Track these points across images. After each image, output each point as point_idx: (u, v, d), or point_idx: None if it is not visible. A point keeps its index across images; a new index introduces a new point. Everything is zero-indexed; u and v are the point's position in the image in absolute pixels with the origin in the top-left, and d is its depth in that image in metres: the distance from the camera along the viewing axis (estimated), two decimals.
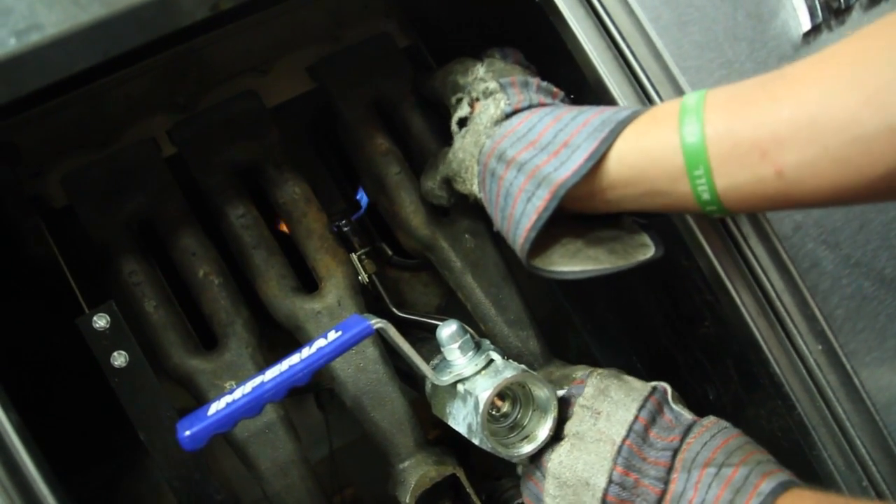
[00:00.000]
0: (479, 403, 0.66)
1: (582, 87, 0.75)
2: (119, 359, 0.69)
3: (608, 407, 0.64)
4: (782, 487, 0.55)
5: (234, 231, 0.75)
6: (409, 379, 0.80)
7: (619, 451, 0.61)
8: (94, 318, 0.69)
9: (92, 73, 0.60)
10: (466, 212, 0.80)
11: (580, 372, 0.71)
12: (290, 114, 0.79)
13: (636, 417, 0.63)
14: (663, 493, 0.60)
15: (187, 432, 0.62)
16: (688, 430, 0.62)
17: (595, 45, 0.70)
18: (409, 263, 0.91)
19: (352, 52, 0.81)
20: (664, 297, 0.83)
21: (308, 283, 0.77)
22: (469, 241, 0.79)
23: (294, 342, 0.77)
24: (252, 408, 0.63)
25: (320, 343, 0.66)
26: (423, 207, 0.79)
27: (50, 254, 0.74)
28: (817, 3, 0.72)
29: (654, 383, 0.66)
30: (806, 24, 0.72)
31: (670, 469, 0.60)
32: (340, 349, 0.66)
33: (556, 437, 0.66)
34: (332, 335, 0.66)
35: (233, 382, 0.72)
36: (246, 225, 0.75)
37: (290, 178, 0.77)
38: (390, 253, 0.90)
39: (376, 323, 0.67)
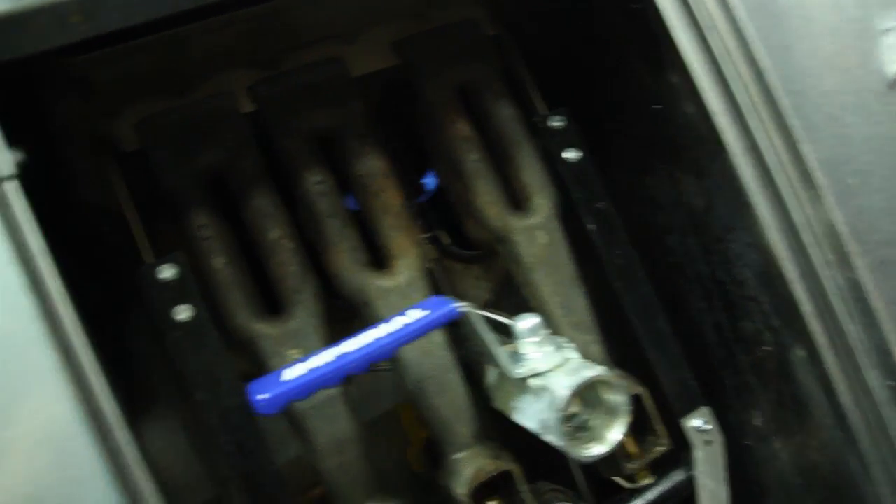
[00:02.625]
0: (558, 400, 0.65)
1: (676, 96, 0.75)
2: (183, 313, 0.66)
3: None
4: None
5: (310, 197, 0.72)
6: None
7: None
8: (160, 267, 0.66)
9: (175, 19, 0.58)
10: (541, 209, 0.78)
11: None
12: (369, 87, 0.77)
13: None
14: None
15: (263, 396, 0.59)
16: None
17: (696, 58, 0.70)
18: (465, 255, 0.89)
19: (440, 34, 0.79)
20: (722, 317, 0.83)
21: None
22: (542, 237, 0.78)
23: (349, 318, 0.75)
24: (333, 378, 0.61)
25: (404, 320, 0.64)
26: (499, 198, 0.77)
27: (115, 198, 0.70)
28: None
29: None
30: None
31: None
32: (425, 328, 0.64)
33: None
34: (416, 314, 0.64)
35: (296, 351, 0.69)
36: (323, 192, 0.72)
37: (370, 151, 0.74)
38: (448, 241, 0.88)
39: (462, 306, 0.65)
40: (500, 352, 0.67)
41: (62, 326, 0.48)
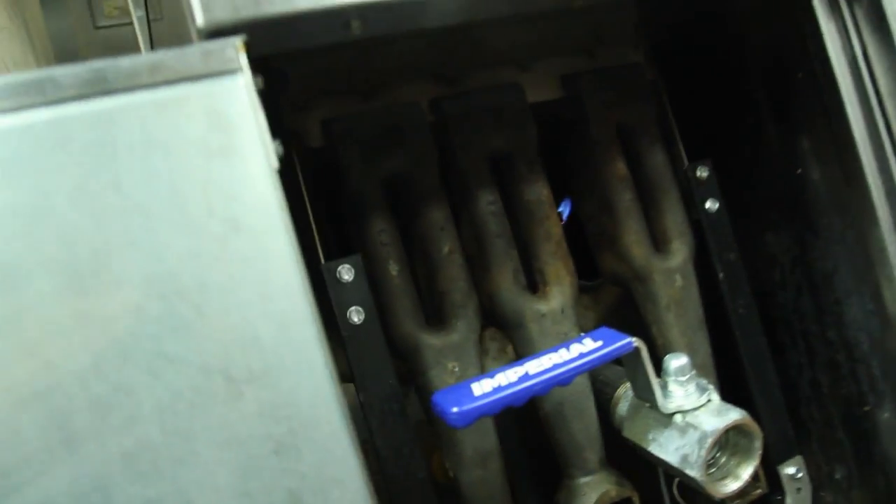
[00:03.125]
0: (706, 437, 0.69)
1: (810, 161, 0.80)
2: (356, 315, 0.68)
3: None
4: None
5: (481, 216, 0.74)
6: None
7: None
8: (342, 268, 0.68)
9: None
10: (680, 253, 0.82)
11: None
12: (536, 115, 0.79)
13: None
14: None
15: (456, 409, 0.61)
16: None
17: (861, 133, 0.74)
18: (583, 284, 0.92)
19: (607, 74, 0.82)
20: (822, 374, 0.87)
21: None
22: (679, 280, 0.81)
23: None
24: (520, 398, 0.63)
25: (580, 348, 0.67)
26: (646, 239, 0.81)
27: (297, 189, 0.71)
28: None
29: None
30: None
31: None
32: (603, 359, 0.67)
33: None
34: (591, 343, 0.67)
35: (455, 364, 0.72)
36: (494, 212, 0.75)
37: (539, 178, 0.77)
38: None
39: (636, 341, 0.68)
40: (656, 385, 0.70)
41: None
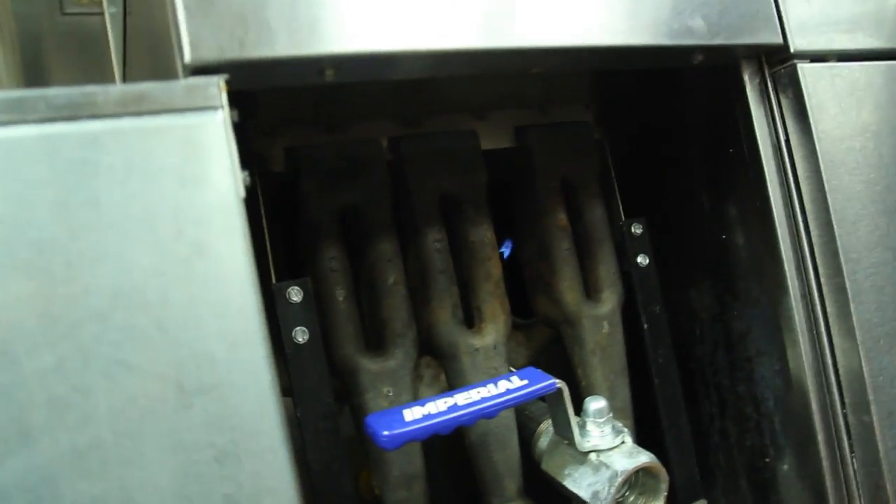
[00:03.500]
0: (616, 476, 0.74)
1: (734, 227, 0.88)
2: (301, 335, 0.72)
3: None
4: None
5: (427, 252, 0.79)
6: None
7: None
8: (291, 289, 0.72)
9: None
10: (609, 301, 0.88)
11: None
12: (488, 161, 0.85)
13: None
14: None
15: (386, 432, 0.66)
16: None
17: (781, 210, 0.82)
18: (517, 321, 0.97)
19: (556, 129, 0.89)
20: (731, 425, 0.95)
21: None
22: (605, 327, 0.88)
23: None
24: (448, 426, 0.68)
25: (507, 384, 0.72)
26: (578, 286, 0.87)
27: (256, 210, 0.76)
28: None
29: None
30: None
31: None
32: (528, 397, 0.72)
33: None
34: (518, 381, 0.73)
35: (390, 389, 0.76)
36: (439, 249, 0.80)
37: (484, 221, 0.83)
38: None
39: (559, 383, 0.74)
40: (575, 426, 0.76)
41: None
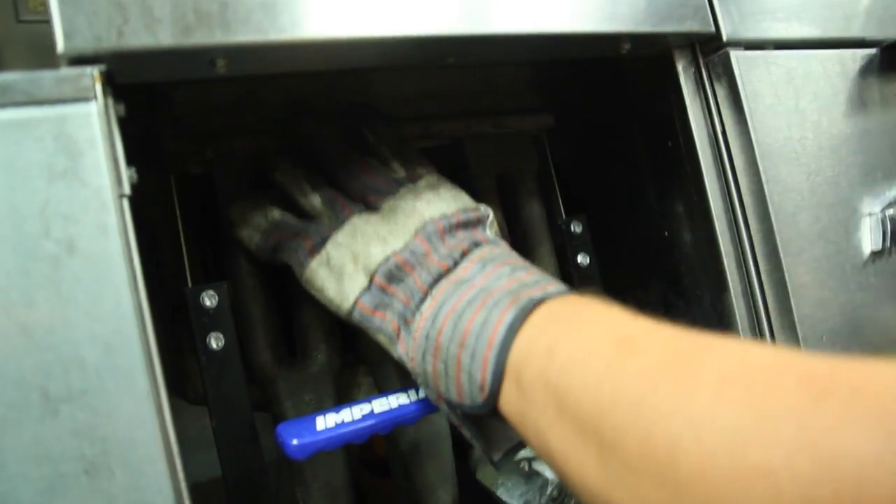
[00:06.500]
0: (547, 484, 0.72)
1: (680, 224, 0.85)
2: (215, 341, 0.69)
3: (431, 196, 0.68)
4: (566, 292, 0.58)
5: None
6: None
7: (424, 226, 0.65)
8: (205, 294, 0.69)
9: None
10: None
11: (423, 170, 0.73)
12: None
13: (454, 213, 0.67)
14: (448, 270, 0.62)
15: (295, 441, 0.63)
16: (496, 243, 0.67)
17: (718, 205, 0.79)
18: None
19: None
20: None
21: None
22: None
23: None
24: (361, 436, 0.65)
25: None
26: None
27: (171, 214, 0.73)
28: (888, 229, 0.85)
29: (483, 205, 0.71)
30: (875, 245, 0.85)
31: (465, 255, 0.63)
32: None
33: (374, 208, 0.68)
34: None
35: (311, 397, 0.73)
36: None
37: None
38: None
39: None
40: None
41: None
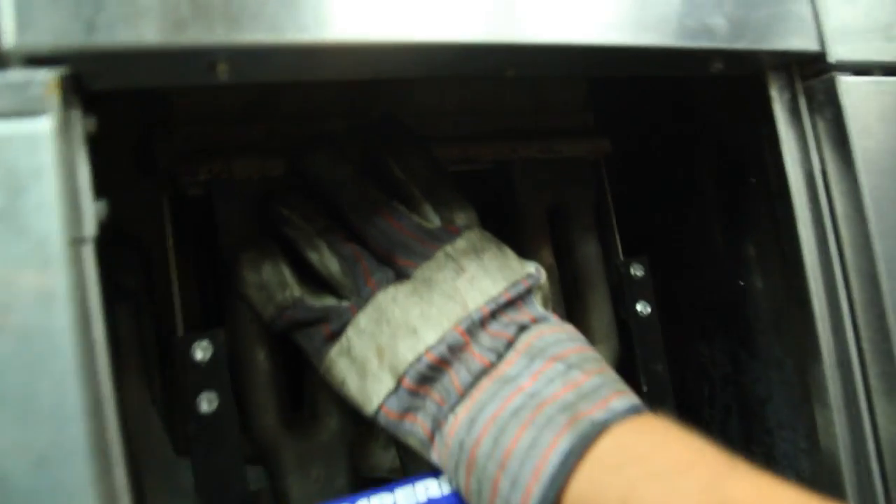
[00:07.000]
0: None
1: (751, 270, 0.73)
2: (207, 402, 0.57)
3: (475, 269, 0.56)
4: (634, 411, 0.48)
5: None
6: None
7: (467, 317, 0.53)
8: (197, 344, 0.57)
9: None
10: (602, 355, 0.73)
11: (461, 218, 0.61)
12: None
13: (502, 292, 0.55)
14: (491, 365, 0.52)
15: None
16: (545, 321, 0.56)
17: (812, 257, 0.66)
18: None
19: None
20: None
21: None
22: None
23: None
24: None
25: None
26: None
27: (163, 240, 0.61)
28: None
29: (531, 265, 0.60)
30: None
31: (510, 346, 0.53)
32: None
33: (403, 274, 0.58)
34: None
35: (319, 472, 0.61)
36: None
37: None
38: None
39: None
40: None
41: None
